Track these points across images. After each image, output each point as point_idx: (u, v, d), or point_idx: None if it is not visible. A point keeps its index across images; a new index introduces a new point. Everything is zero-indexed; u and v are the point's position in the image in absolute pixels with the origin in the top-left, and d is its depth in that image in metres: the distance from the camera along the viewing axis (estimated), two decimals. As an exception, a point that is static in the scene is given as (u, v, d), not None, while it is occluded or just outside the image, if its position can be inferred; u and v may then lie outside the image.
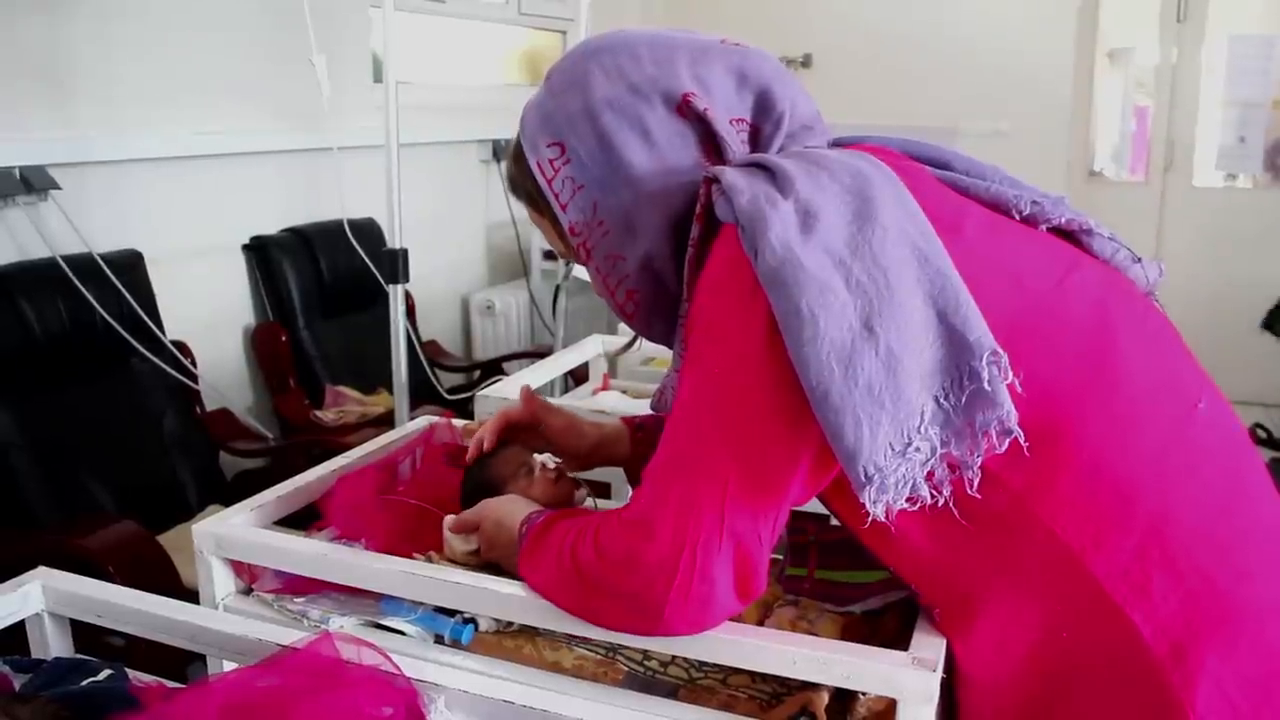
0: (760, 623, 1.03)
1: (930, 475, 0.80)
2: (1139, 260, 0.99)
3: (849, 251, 0.82)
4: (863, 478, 0.79)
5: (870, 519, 0.80)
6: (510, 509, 1.08)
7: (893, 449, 0.79)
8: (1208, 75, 4.44)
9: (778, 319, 0.81)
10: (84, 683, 0.91)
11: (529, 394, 1.26)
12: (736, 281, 0.85)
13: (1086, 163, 4.72)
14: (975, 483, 0.80)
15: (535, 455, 1.23)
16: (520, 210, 1.09)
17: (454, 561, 1.13)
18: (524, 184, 1.02)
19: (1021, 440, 0.79)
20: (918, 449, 0.79)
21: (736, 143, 0.95)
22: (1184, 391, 0.90)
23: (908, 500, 0.80)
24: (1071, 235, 0.96)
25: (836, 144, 1.01)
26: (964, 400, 0.79)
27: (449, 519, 1.15)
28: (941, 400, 0.80)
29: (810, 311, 0.79)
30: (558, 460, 1.23)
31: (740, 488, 0.84)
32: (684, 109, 0.94)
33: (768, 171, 0.89)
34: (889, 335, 0.79)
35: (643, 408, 1.77)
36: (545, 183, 0.98)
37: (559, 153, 0.96)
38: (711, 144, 0.94)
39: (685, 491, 0.85)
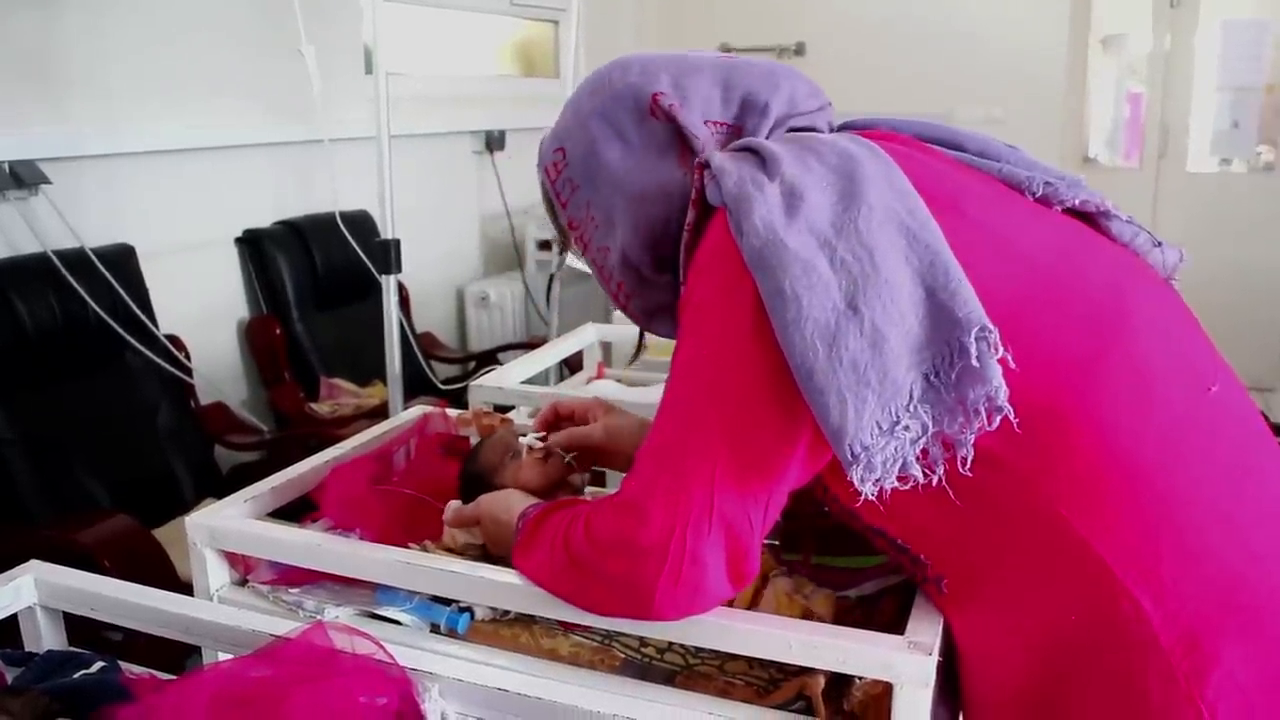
0: (757, 593, 1.02)
1: (924, 454, 0.80)
2: (1159, 244, 0.98)
3: (834, 232, 0.82)
4: (849, 456, 0.78)
5: (863, 498, 0.79)
6: (506, 504, 1.07)
7: (880, 427, 0.78)
8: (1201, 60, 4.44)
9: (763, 300, 0.81)
10: (76, 675, 0.90)
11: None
12: (723, 264, 0.85)
13: (1081, 149, 4.71)
14: (968, 461, 0.79)
15: (521, 438, 1.22)
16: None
17: (454, 551, 1.13)
18: (542, 188, 1.08)
19: (1012, 417, 0.78)
20: (906, 427, 0.78)
21: (711, 143, 0.95)
22: (1197, 374, 0.88)
23: (899, 479, 0.79)
24: (1089, 219, 0.96)
25: (847, 129, 1.00)
26: (954, 377, 0.79)
27: (450, 505, 1.15)
28: (932, 378, 0.79)
29: (793, 291, 0.79)
30: (541, 438, 1.22)
31: (729, 470, 0.83)
32: (654, 109, 0.96)
33: (756, 155, 0.90)
34: (874, 313, 0.79)
35: (637, 395, 1.77)
36: (549, 183, 1.05)
37: (561, 157, 1.03)
38: (685, 143, 0.95)
39: (675, 475, 0.85)
